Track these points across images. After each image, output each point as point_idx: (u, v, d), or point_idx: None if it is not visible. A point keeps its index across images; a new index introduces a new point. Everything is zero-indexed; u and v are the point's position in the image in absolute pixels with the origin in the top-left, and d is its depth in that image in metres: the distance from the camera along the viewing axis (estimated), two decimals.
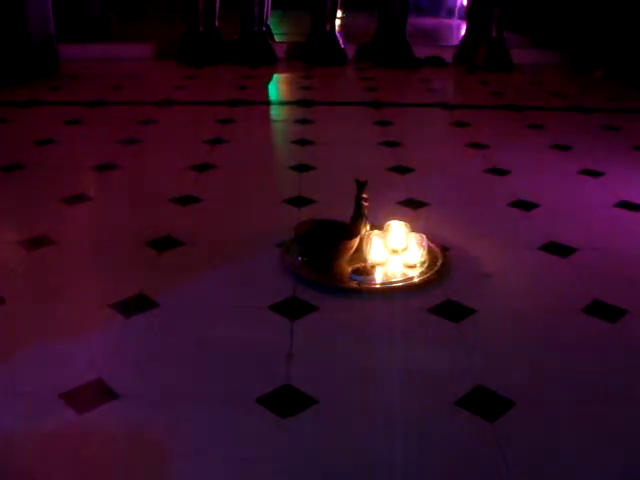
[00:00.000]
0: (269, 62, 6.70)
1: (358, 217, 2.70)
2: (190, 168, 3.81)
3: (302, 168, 3.83)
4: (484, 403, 1.95)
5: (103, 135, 4.48)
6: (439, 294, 2.52)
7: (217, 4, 6.78)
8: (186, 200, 3.35)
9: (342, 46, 6.82)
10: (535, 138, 4.51)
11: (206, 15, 6.70)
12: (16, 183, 3.63)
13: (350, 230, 2.70)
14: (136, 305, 2.42)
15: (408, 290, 2.55)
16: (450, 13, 9.37)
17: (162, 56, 6.83)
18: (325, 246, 2.65)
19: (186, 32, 6.74)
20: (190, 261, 2.77)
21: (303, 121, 4.77)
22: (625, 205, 3.41)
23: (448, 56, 6.94)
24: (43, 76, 5.90)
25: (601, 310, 2.45)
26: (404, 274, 2.63)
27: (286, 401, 1.94)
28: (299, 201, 3.35)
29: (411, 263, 2.67)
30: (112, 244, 2.93)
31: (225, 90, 5.71)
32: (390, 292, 2.55)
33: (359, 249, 2.69)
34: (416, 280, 2.59)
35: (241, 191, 3.54)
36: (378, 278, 2.60)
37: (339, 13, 7.68)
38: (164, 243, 2.89)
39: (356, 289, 2.55)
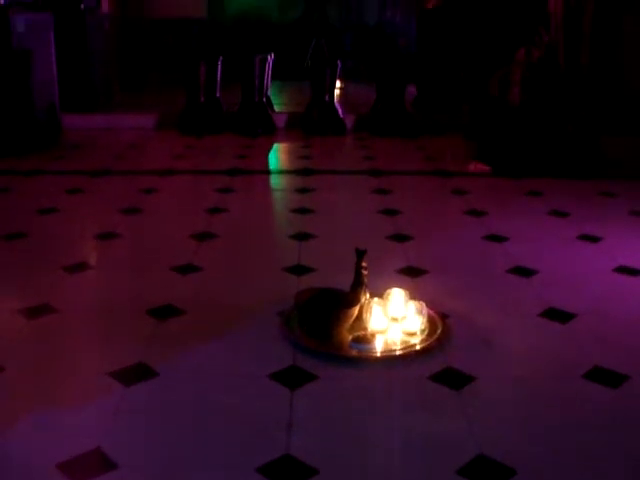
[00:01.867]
0: (269, 132, 6.81)
1: (358, 285, 2.71)
2: (191, 237, 3.84)
3: (302, 236, 3.86)
4: (486, 472, 1.93)
5: (105, 204, 4.53)
6: (439, 362, 2.52)
7: (218, 75, 6.92)
8: (186, 269, 3.37)
9: (341, 116, 6.95)
10: (533, 205, 4.56)
11: (207, 86, 6.84)
12: (18, 252, 3.65)
13: (350, 298, 2.71)
14: (136, 374, 2.41)
15: (408, 358, 2.55)
16: None
17: (163, 126, 6.94)
18: (325, 314, 2.66)
19: (187, 102, 6.87)
20: (190, 329, 2.77)
21: (302, 190, 4.82)
22: (624, 270, 3.43)
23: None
24: (47, 145, 5.99)
25: (602, 376, 2.44)
26: (404, 342, 2.62)
27: (286, 471, 1.92)
28: (299, 269, 3.37)
29: (411, 331, 2.67)
30: (112, 312, 2.93)
31: (225, 159, 5.80)
32: (390, 360, 2.54)
33: (359, 317, 2.69)
34: (416, 348, 2.59)
35: (241, 259, 3.56)
36: (378, 346, 2.59)
37: (338, 84, 7.84)
38: (164, 311, 2.90)
39: (356, 357, 2.55)
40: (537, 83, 5.29)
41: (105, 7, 7.85)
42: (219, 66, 6.88)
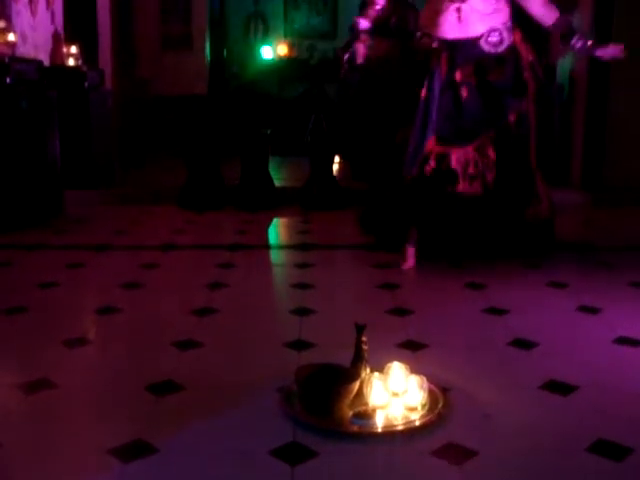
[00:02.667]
0: (269, 206, 6.87)
1: (358, 360, 2.71)
2: (191, 312, 3.84)
3: (302, 312, 3.87)
4: None
5: (105, 279, 4.55)
6: (441, 436, 2.50)
7: (219, 150, 7.03)
8: (187, 344, 3.37)
9: (340, 191, 7.01)
10: (532, 276, 4.58)
11: (207, 160, 6.94)
12: (17, 326, 3.66)
13: (350, 373, 2.70)
14: (135, 450, 2.39)
15: (410, 433, 2.53)
16: None
17: (164, 201, 7.01)
18: (325, 390, 2.65)
19: (187, 177, 6.96)
20: (190, 405, 2.76)
21: (302, 265, 4.85)
22: (624, 341, 3.43)
23: None
24: (49, 220, 6.06)
25: (605, 449, 2.42)
26: (405, 417, 2.61)
27: None
28: (299, 345, 3.37)
29: (412, 405, 2.65)
30: (112, 387, 2.92)
31: (225, 234, 5.84)
32: (392, 435, 2.52)
33: (360, 392, 2.68)
34: (417, 423, 2.57)
35: (241, 335, 3.56)
36: (379, 421, 2.58)
37: (336, 158, 7.96)
38: (164, 387, 2.88)
39: (357, 433, 2.53)
40: None
41: (108, 85, 8.03)
42: (220, 141, 7.00)
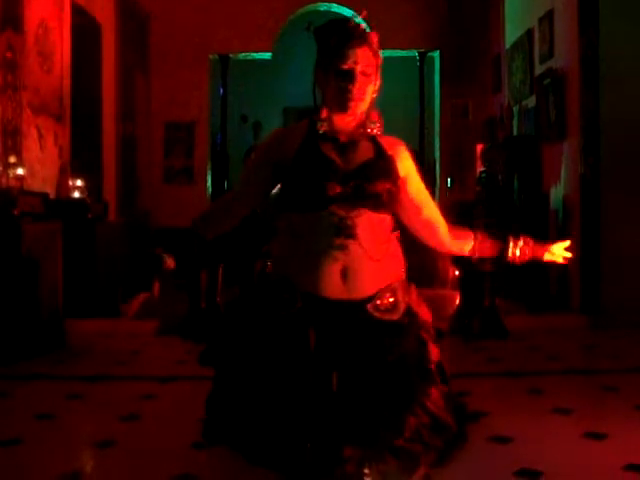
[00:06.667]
0: None
1: None
2: (191, 446, 3.76)
3: None
4: None
5: (103, 411, 4.48)
6: None
7: (219, 281, 7.09)
8: (186, 478, 3.29)
9: None
10: (535, 403, 4.52)
11: (208, 292, 6.98)
12: (12, 459, 3.59)
13: None
14: None
15: None
16: (443, 284, 9.74)
17: (165, 332, 7.00)
18: None
19: (189, 309, 6.99)
20: None
21: None
22: (633, 468, 3.35)
23: (444, 326, 7.12)
24: (49, 350, 6.02)
25: None
26: None
27: None
28: None
29: None
30: None
31: None
32: None
33: None
34: None
35: (240, 468, 3.47)
36: None
37: None
38: None
39: None
40: None
41: (112, 216, 8.19)
42: (220, 273, 7.07)
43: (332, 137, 2.26)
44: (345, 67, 2.22)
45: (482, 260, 2.53)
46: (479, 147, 9.96)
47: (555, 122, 7.85)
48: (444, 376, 2.33)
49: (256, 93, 13.25)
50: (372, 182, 2.19)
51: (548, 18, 8.20)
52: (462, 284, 7.40)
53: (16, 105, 6.62)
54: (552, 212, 7.90)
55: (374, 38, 2.29)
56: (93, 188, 8.11)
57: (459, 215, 9.58)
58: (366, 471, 2.45)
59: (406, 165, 2.33)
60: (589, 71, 7.29)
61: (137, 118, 10.32)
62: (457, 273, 7.93)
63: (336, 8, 10.96)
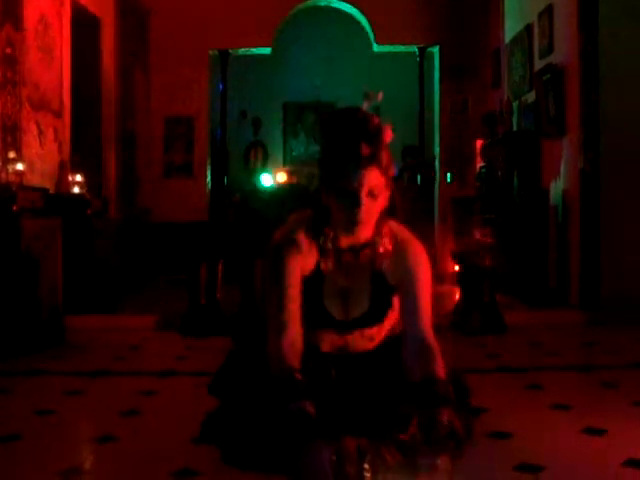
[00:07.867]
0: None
1: None
2: (191, 441, 3.76)
3: None
4: None
5: (103, 406, 4.49)
6: None
7: (219, 277, 7.09)
8: (185, 473, 3.29)
9: None
10: (535, 398, 4.52)
11: (208, 288, 6.99)
12: (12, 454, 3.58)
13: None
14: None
15: None
16: (441, 280, 9.74)
17: (164, 327, 7.01)
18: None
19: (189, 304, 6.99)
20: None
21: None
22: (632, 463, 3.35)
23: (443, 322, 7.12)
24: (49, 346, 6.03)
25: None
26: None
27: None
28: None
29: None
30: None
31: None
32: None
33: None
34: None
35: None
36: None
37: None
38: None
39: None
40: None
41: (112, 211, 8.19)
42: (220, 269, 7.07)
43: (337, 256, 2.18)
44: (349, 189, 2.02)
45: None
46: (479, 143, 9.97)
47: (555, 117, 7.84)
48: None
49: (256, 88, 13.24)
50: (368, 327, 2.26)
51: (548, 13, 8.19)
52: (462, 280, 7.40)
53: (16, 101, 6.62)
54: (552, 207, 7.90)
55: (387, 136, 2.04)
56: (93, 184, 8.11)
57: (459, 211, 9.61)
58: (366, 466, 2.45)
59: (408, 270, 2.30)
60: (589, 66, 7.28)
61: (137, 113, 10.32)
62: (457, 269, 7.94)
63: (336, 3, 10.96)
